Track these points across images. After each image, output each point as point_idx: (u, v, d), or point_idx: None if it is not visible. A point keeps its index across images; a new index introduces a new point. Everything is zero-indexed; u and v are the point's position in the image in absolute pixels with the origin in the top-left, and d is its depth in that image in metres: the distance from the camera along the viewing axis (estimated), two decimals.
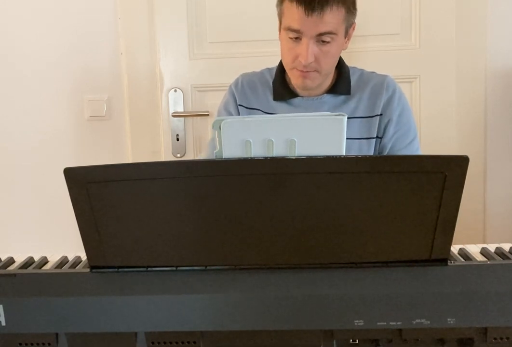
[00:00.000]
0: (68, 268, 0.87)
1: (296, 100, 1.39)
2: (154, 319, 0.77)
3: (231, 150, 0.79)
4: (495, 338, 0.76)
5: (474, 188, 1.88)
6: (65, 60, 1.95)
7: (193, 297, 0.76)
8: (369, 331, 0.77)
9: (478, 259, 0.85)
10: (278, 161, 0.74)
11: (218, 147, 0.80)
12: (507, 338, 0.76)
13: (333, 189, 0.73)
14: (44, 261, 0.91)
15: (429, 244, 0.76)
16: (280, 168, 0.73)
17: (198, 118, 1.96)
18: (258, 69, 1.49)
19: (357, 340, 0.78)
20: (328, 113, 0.83)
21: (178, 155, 1.98)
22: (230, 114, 1.44)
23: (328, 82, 1.38)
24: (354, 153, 1.34)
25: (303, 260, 0.77)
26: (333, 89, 1.38)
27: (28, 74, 1.96)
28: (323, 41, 1.25)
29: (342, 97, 1.38)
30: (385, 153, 1.38)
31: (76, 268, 0.87)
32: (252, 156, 0.79)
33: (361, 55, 1.85)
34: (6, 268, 0.88)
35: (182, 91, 1.94)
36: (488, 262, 0.81)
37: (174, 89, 1.94)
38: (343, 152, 0.79)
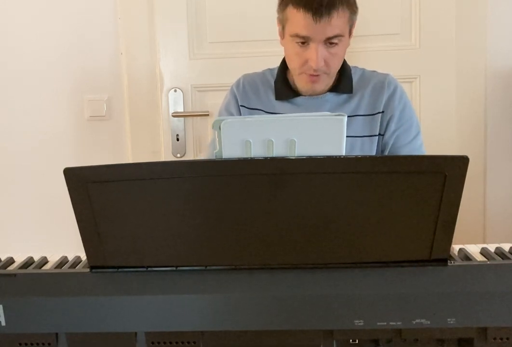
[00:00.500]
0: (68, 268, 0.87)
1: (298, 99, 1.39)
2: (154, 319, 0.77)
3: (231, 150, 0.79)
4: (495, 338, 0.76)
5: (474, 188, 1.88)
6: (65, 60, 1.95)
7: (193, 297, 0.76)
8: (369, 331, 0.77)
9: (478, 259, 0.85)
10: (278, 161, 0.73)
11: (218, 147, 0.80)
12: (507, 338, 0.76)
13: (333, 189, 0.73)
14: (44, 261, 0.91)
15: (429, 244, 0.76)
16: (280, 168, 0.73)
17: (198, 118, 1.96)
18: (258, 69, 1.49)
19: (357, 340, 0.78)
20: (328, 113, 0.83)
21: (178, 155, 1.98)
22: (231, 114, 1.44)
23: (331, 81, 1.38)
24: (357, 151, 1.34)
25: (303, 260, 0.77)
26: (335, 88, 1.38)
27: (28, 74, 1.96)
28: (331, 43, 1.26)
29: (344, 96, 1.38)
30: (387, 149, 1.38)
31: (76, 268, 0.87)
32: (252, 156, 0.79)
33: (361, 55, 1.84)
34: (6, 268, 0.88)
35: (182, 91, 1.94)
36: (488, 262, 0.81)
37: (174, 89, 1.94)
38: (343, 152, 0.79)
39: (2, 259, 0.93)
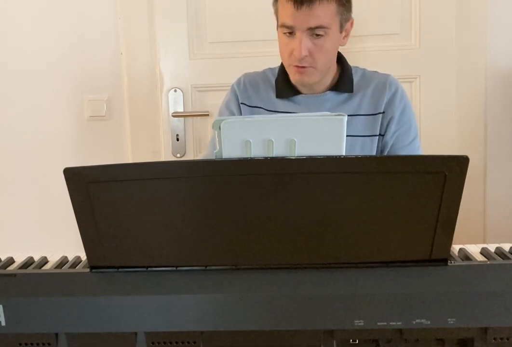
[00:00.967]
0: (68, 268, 0.87)
1: (298, 98, 1.40)
2: (154, 319, 0.77)
3: (231, 150, 0.79)
4: (495, 338, 0.76)
5: (474, 188, 1.88)
6: (65, 60, 1.95)
7: (193, 297, 0.76)
8: (369, 331, 0.77)
9: (478, 259, 0.85)
10: (278, 161, 0.74)
11: (218, 147, 0.80)
12: (507, 338, 0.76)
13: (333, 189, 0.73)
14: (44, 261, 0.91)
15: (429, 244, 0.76)
16: (280, 168, 0.73)
17: (198, 118, 1.96)
18: (258, 69, 1.49)
19: (357, 340, 0.78)
20: (328, 113, 0.83)
21: (178, 155, 1.98)
22: (231, 112, 1.44)
23: (330, 79, 1.39)
24: (357, 150, 1.34)
25: (303, 260, 0.77)
26: (336, 87, 1.38)
27: (28, 74, 1.96)
28: (317, 35, 1.27)
29: (345, 95, 1.39)
30: (386, 150, 1.38)
31: (76, 268, 0.87)
32: (252, 156, 0.79)
33: (361, 55, 1.84)
34: (6, 268, 0.88)
35: (182, 91, 1.94)
36: (488, 262, 0.81)
37: (174, 89, 1.94)
38: (343, 152, 0.79)
39: (2, 259, 0.93)
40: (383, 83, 1.38)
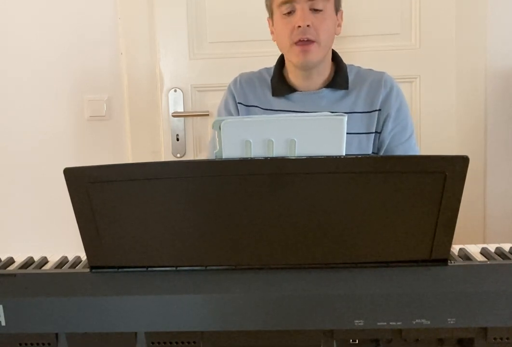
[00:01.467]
0: (68, 268, 0.87)
1: (294, 95, 1.40)
2: (154, 319, 0.77)
3: (231, 150, 0.79)
4: (495, 338, 0.76)
5: (474, 188, 1.88)
6: (65, 60, 1.95)
7: (193, 297, 0.76)
8: (369, 331, 0.77)
9: (478, 259, 0.85)
10: (278, 161, 0.74)
11: (218, 147, 0.80)
12: (507, 338, 0.76)
13: (333, 189, 0.73)
14: (44, 261, 0.91)
15: (429, 244, 0.76)
16: (280, 168, 0.73)
17: (198, 118, 1.96)
18: (257, 69, 1.50)
19: (357, 340, 0.78)
20: (328, 113, 0.83)
21: (178, 155, 1.98)
22: (230, 113, 1.45)
23: (326, 76, 1.39)
24: (354, 147, 1.35)
25: (303, 260, 0.77)
26: (331, 84, 1.39)
27: (28, 74, 1.96)
28: (315, 10, 1.29)
29: (340, 92, 1.39)
30: (384, 148, 1.39)
31: (76, 268, 0.87)
32: (252, 156, 0.79)
33: (361, 55, 1.84)
34: (6, 268, 0.88)
35: (182, 91, 1.94)
36: (488, 262, 0.81)
37: (174, 89, 1.94)
38: (343, 152, 0.79)
39: (2, 259, 0.93)
40: (378, 80, 1.39)
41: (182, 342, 0.79)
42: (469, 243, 0.94)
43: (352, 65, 1.44)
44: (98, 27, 1.93)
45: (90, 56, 1.94)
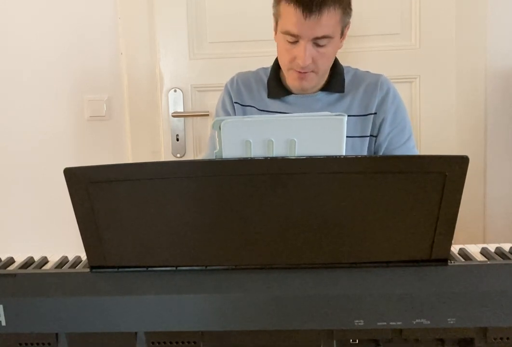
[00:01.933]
0: (68, 268, 0.87)
1: (290, 98, 1.40)
2: (154, 319, 0.77)
3: (231, 150, 0.79)
4: (495, 338, 0.76)
5: (474, 188, 1.88)
6: (65, 60, 1.95)
7: (193, 297, 0.76)
8: (369, 331, 0.77)
9: (478, 259, 0.85)
10: (278, 161, 0.73)
11: (218, 147, 0.80)
12: (507, 338, 0.76)
13: (333, 189, 0.73)
14: (44, 261, 0.91)
15: (429, 244, 0.76)
16: (280, 168, 0.73)
17: (198, 118, 1.96)
18: (255, 69, 1.50)
19: (357, 340, 0.78)
20: (328, 113, 0.83)
21: (178, 155, 1.98)
22: (227, 112, 1.45)
23: (322, 80, 1.38)
24: (347, 151, 1.33)
25: (303, 260, 0.77)
26: (327, 87, 1.38)
27: (28, 74, 1.96)
28: (320, 45, 1.26)
29: (336, 95, 1.39)
30: (381, 152, 1.38)
31: (76, 268, 0.87)
32: (252, 156, 0.79)
33: (361, 55, 1.84)
34: (6, 268, 0.88)
35: (182, 91, 1.94)
36: (488, 262, 0.81)
37: (174, 89, 1.94)
38: (343, 152, 0.79)
39: (2, 259, 0.93)
40: (374, 83, 1.38)
41: (182, 342, 0.79)
42: (469, 243, 0.94)
43: (349, 67, 1.44)
44: (98, 27, 1.93)
45: (90, 56, 1.94)
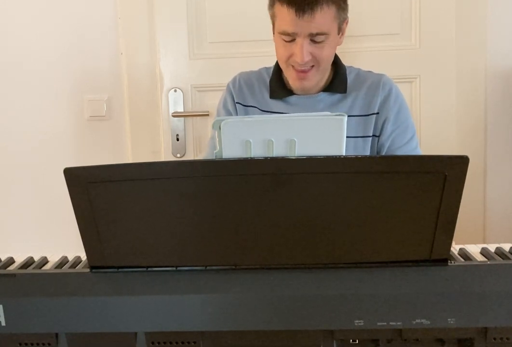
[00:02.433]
0: (68, 268, 0.87)
1: (292, 98, 1.40)
2: (154, 319, 0.77)
3: (231, 150, 0.79)
4: (495, 338, 0.76)
5: (474, 188, 1.88)
6: (65, 60, 1.95)
7: (193, 297, 0.76)
8: (369, 331, 0.77)
9: (478, 259, 0.84)
10: (278, 161, 0.73)
11: (218, 147, 0.80)
12: (507, 338, 0.76)
13: (333, 189, 0.73)
14: (44, 261, 0.91)
15: (429, 244, 0.76)
16: (280, 168, 0.73)
17: (198, 118, 1.96)
18: (257, 68, 1.49)
19: (357, 340, 0.78)
20: (328, 113, 0.83)
21: (178, 155, 1.98)
22: (228, 112, 1.45)
23: (324, 80, 1.38)
24: (349, 151, 1.34)
25: (303, 260, 0.77)
26: (329, 88, 1.38)
27: (28, 74, 1.96)
28: (317, 42, 1.26)
29: (338, 96, 1.38)
30: (383, 151, 1.38)
31: (76, 268, 0.87)
32: (252, 156, 0.79)
33: (361, 55, 1.84)
34: (6, 268, 0.88)
35: (182, 91, 1.94)
36: (488, 262, 0.81)
37: (174, 89, 1.94)
38: (343, 152, 0.79)
39: (2, 259, 0.93)
40: (376, 83, 1.38)
41: (182, 342, 0.79)
42: (469, 243, 0.94)
43: (352, 66, 1.44)
44: (98, 27, 1.93)
45: (90, 56, 1.94)
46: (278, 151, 0.78)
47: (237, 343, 0.78)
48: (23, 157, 2.00)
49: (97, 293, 0.77)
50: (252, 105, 1.43)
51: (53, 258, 0.93)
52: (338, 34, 1.32)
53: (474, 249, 0.90)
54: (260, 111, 1.41)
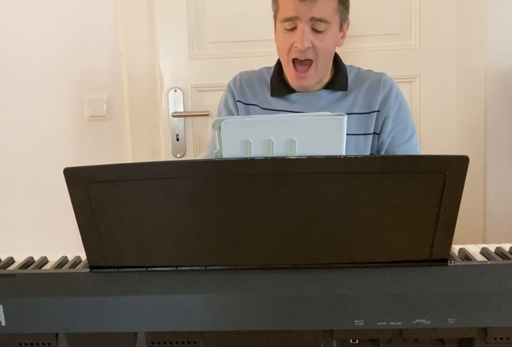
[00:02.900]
0: (68, 268, 0.86)
1: (293, 96, 1.40)
2: (154, 319, 0.77)
3: (231, 150, 0.79)
4: (495, 338, 0.76)
5: (474, 188, 1.88)
6: (65, 60, 1.95)
7: (193, 297, 0.76)
8: (369, 331, 0.77)
9: (478, 259, 0.84)
10: (278, 161, 0.73)
11: (218, 147, 0.80)
12: (507, 338, 0.76)
13: (333, 189, 0.73)
14: (44, 261, 0.91)
15: (429, 244, 0.76)
16: (280, 168, 0.73)
17: (198, 118, 1.96)
18: (258, 68, 1.50)
19: (357, 340, 0.78)
20: (328, 113, 0.83)
21: (178, 155, 1.98)
22: (229, 111, 1.45)
23: (325, 78, 1.39)
24: (350, 149, 1.35)
25: (303, 260, 0.77)
26: (330, 85, 1.39)
27: (28, 74, 1.96)
28: (318, 31, 1.27)
29: (339, 93, 1.39)
30: (384, 149, 1.38)
31: (76, 268, 0.87)
32: (252, 156, 0.79)
33: (361, 55, 1.84)
34: (6, 268, 0.88)
35: (182, 91, 1.94)
36: (488, 262, 0.81)
37: (174, 89, 1.94)
38: (343, 152, 0.79)
39: (2, 259, 0.93)
40: (377, 81, 1.39)
41: (182, 342, 0.79)
42: (469, 243, 0.94)
43: (352, 65, 1.44)
44: (98, 27, 1.93)
45: (90, 56, 1.94)
46: (278, 151, 0.78)
47: (237, 343, 0.78)
48: (23, 157, 2.00)
49: (97, 293, 0.77)
50: (253, 103, 1.43)
51: (53, 258, 0.93)
52: (340, 31, 1.32)
53: (474, 249, 0.90)
54: (261, 109, 1.42)
